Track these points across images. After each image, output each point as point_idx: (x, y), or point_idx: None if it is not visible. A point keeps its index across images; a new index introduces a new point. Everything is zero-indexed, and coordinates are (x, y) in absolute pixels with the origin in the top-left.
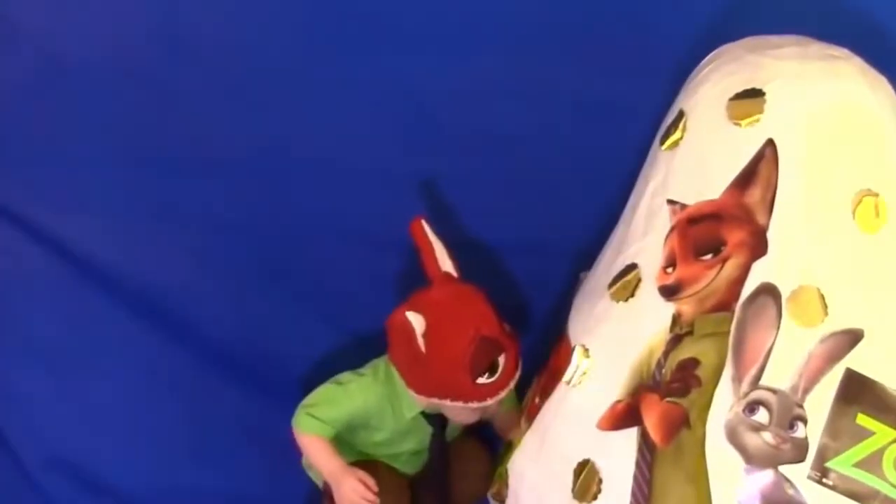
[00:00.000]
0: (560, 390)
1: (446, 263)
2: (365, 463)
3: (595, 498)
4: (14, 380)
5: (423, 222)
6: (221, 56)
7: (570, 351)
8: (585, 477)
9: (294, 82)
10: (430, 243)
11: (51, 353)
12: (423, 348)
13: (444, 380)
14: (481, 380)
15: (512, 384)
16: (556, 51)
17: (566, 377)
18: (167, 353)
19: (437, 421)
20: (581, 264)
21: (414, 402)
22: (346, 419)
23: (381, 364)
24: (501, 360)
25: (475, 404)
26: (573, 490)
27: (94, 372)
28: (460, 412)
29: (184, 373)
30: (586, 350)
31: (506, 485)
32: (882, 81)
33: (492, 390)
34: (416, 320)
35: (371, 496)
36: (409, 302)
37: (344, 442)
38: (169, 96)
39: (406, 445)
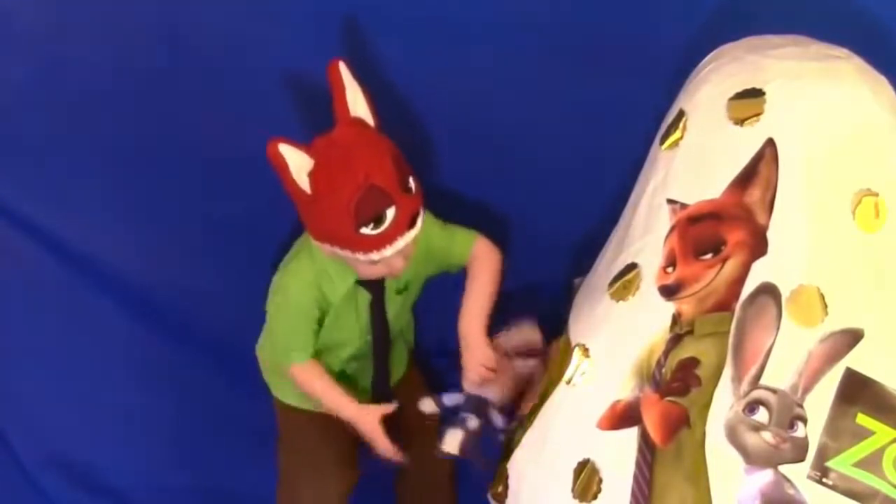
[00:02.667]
0: (560, 390)
1: (360, 109)
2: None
3: (595, 497)
4: (14, 380)
5: (342, 64)
6: (221, 56)
7: (571, 351)
8: (585, 476)
9: (294, 82)
10: (342, 85)
11: (51, 353)
12: (307, 189)
13: (329, 225)
14: (365, 230)
15: (401, 240)
16: (555, 51)
17: (566, 377)
18: (167, 353)
19: (374, 288)
20: (581, 264)
21: (337, 265)
22: (312, 313)
23: (301, 248)
24: (390, 212)
25: (362, 255)
26: (573, 489)
27: (93, 372)
28: (357, 265)
29: (183, 373)
30: (586, 350)
31: (506, 484)
32: (882, 81)
33: (377, 243)
34: (294, 157)
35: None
36: (311, 142)
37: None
38: (169, 96)
39: (351, 328)
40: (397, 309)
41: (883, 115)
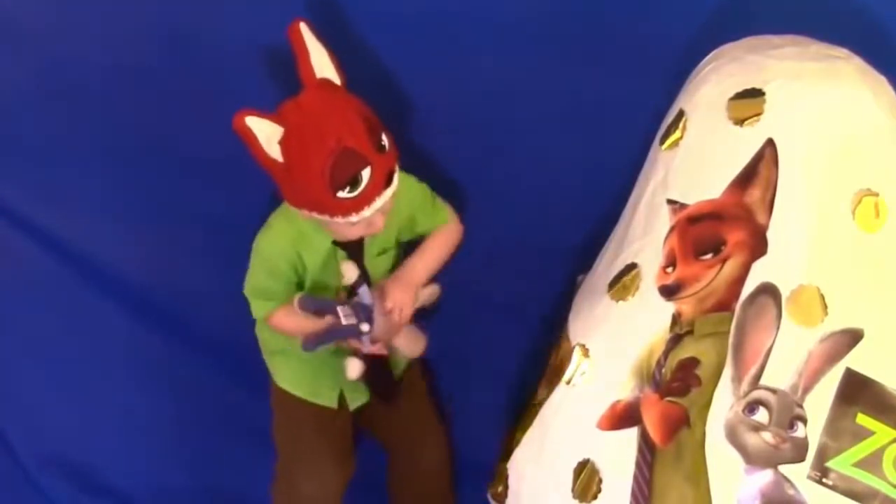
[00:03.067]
0: (560, 390)
1: (326, 70)
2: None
3: (595, 497)
4: (14, 380)
5: (303, 25)
6: (221, 56)
7: (570, 351)
8: (585, 476)
9: (294, 82)
10: (305, 46)
11: (51, 353)
12: (278, 157)
13: (304, 191)
14: (342, 193)
15: (379, 200)
16: (555, 51)
17: (566, 377)
18: (167, 353)
19: (353, 251)
20: (581, 264)
21: (315, 227)
22: (285, 274)
23: (279, 212)
24: (365, 173)
25: (340, 218)
26: (573, 490)
27: (93, 372)
28: (336, 227)
29: (184, 373)
30: (586, 350)
31: (506, 484)
32: (882, 82)
33: (355, 205)
34: (262, 126)
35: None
36: (278, 109)
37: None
38: (169, 96)
39: (332, 289)
40: (379, 273)
41: (883, 116)
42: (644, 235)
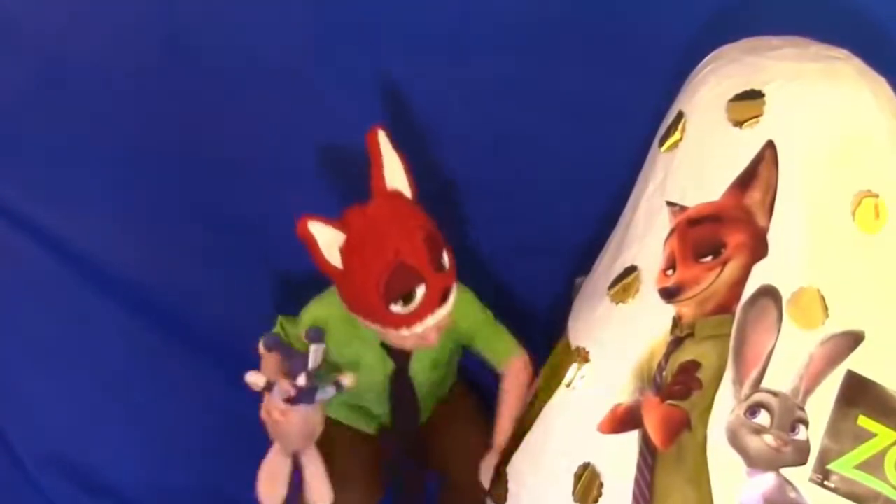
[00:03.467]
0: (560, 393)
1: (397, 180)
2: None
3: (596, 501)
4: (14, 380)
5: (381, 133)
6: (221, 56)
7: (571, 353)
8: (586, 480)
9: (294, 82)
10: (380, 155)
11: (51, 353)
12: (338, 264)
13: (359, 299)
14: (395, 307)
15: (431, 318)
16: (553, 51)
17: (566, 380)
18: (167, 352)
19: (399, 357)
20: (580, 265)
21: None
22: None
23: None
24: (420, 290)
25: (393, 332)
26: (574, 493)
27: (93, 372)
28: (392, 338)
29: (184, 373)
30: (586, 353)
31: (505, 487)
32: (881, 82)
33: (407, 320)
34: (324, 233)
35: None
36: (344, 214)
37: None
38: (169, 96)
39: (373, 383)
40: (426, 382)
41: (882, 117)
42: (644, 238)
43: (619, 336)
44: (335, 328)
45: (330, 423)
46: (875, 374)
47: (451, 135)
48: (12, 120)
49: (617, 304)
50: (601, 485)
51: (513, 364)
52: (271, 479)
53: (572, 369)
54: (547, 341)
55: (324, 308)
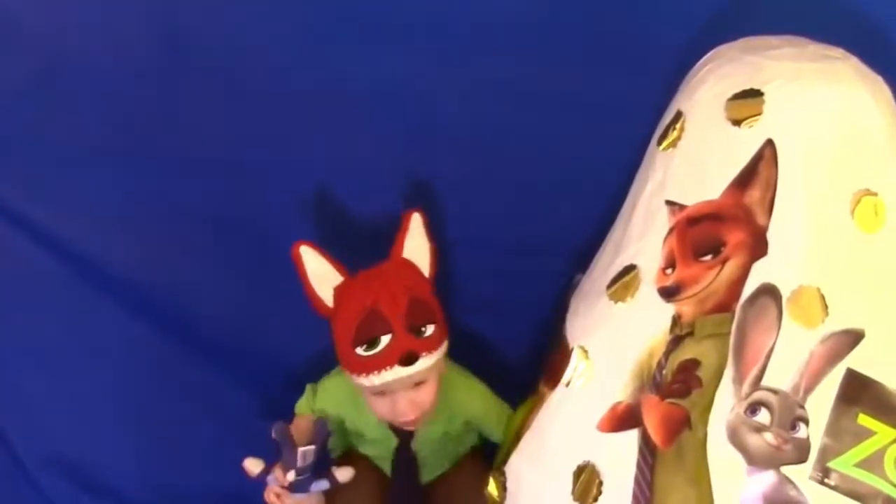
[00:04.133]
0: (559, 392)
1: (419, 258)
2: (347, 457)
3: (595, 500)
4: (14, 380)
5: (416, 217)
6: (221, 56)
7: (569, 352)
8: (585, 479)
9: (294, 82)
10: (406, 233)
11: (51, 353)
12: (329, 302)
13: (338, 341)
14: (359, 350)
15: (389, 373)
16: (552, 50)
17: (565, 379)
18: (167, 352)
19: (402, 433)
20: (579, 264)
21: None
22: (323, 409)
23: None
24: (385, 339)
25: (356, 376)
26: (573, 492)
27: (93, 372)
28: (368, 397)
29: (184, 372)
30: (585, 351)
31: (503, 487)
32: (879, 81)
33: (367, 366)
34: (316, 263)
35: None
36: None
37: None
38: (169, 96)
39: (378, 452)
40: (435, 450)
41: (881, 116)
42: (642, 237)
43: (619, 335)
44: (345, 399)
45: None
46: (875, 373)
47: (449, 134)
48: (12, 120)
49: (616, 302)
50: (601, 483)
51: None
52: None
53: (571, 368)
54: (544, 341)
55: (336, 387)
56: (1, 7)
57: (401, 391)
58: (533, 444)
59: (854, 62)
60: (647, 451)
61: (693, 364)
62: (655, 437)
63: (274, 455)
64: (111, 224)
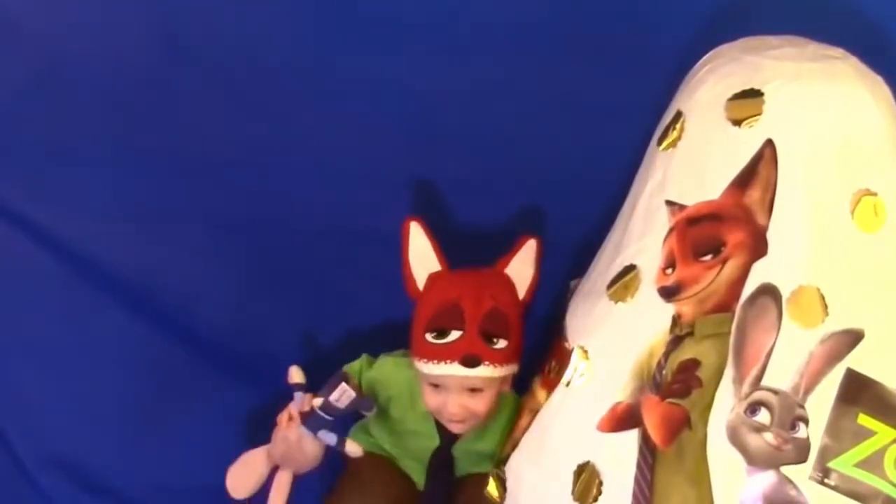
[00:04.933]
0: (559, 392)
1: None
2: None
3: (595, 500)
4: (14, 380)
5: (533, 244)
6: (221, 56)
7: (569, 352)
8: (585, 478)
9: (294, 82)
10: (515, 253)
11: (51, 353)
12: (420, 284)
13: (415, 322)
14: (429, 336)
15: (448, 367)
16: (552, 50)
17: (565, 379)
18: (167, 352)
19: (446, 435)
20: (578, 264)
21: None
22: (373, 381)
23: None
24: (454, 334)
25: (418, 362)
26: (573, 492)
27: (93, 372)
28: (424, 386)
29: (184, 372)
30: (585, 351)
31: (503, 486)
32: (879, 81)
33: (430, 353)
34: (421, 242)
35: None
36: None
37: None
38: (169, 96)
39: (417, 452)
40: (469, 467)
41: (881, 115)
42: (642, 237)
43: (619, 335)
44: (402, 381)
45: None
46: (875, 373)
47: (449, 134)
48: (12, 120)
49: (616, 302)
50: (601, 483)
51: None
52: (243, 468)
53: (571, 368)
54: (544, 341)
55: (396, 368)
56: (1, 7)
57: (455, 391)
58: (533, 443)
59: (854, 62)
60: (648, 450)
61: (693, 364)
62: (655, 436)
63: None
64: (111, 224)
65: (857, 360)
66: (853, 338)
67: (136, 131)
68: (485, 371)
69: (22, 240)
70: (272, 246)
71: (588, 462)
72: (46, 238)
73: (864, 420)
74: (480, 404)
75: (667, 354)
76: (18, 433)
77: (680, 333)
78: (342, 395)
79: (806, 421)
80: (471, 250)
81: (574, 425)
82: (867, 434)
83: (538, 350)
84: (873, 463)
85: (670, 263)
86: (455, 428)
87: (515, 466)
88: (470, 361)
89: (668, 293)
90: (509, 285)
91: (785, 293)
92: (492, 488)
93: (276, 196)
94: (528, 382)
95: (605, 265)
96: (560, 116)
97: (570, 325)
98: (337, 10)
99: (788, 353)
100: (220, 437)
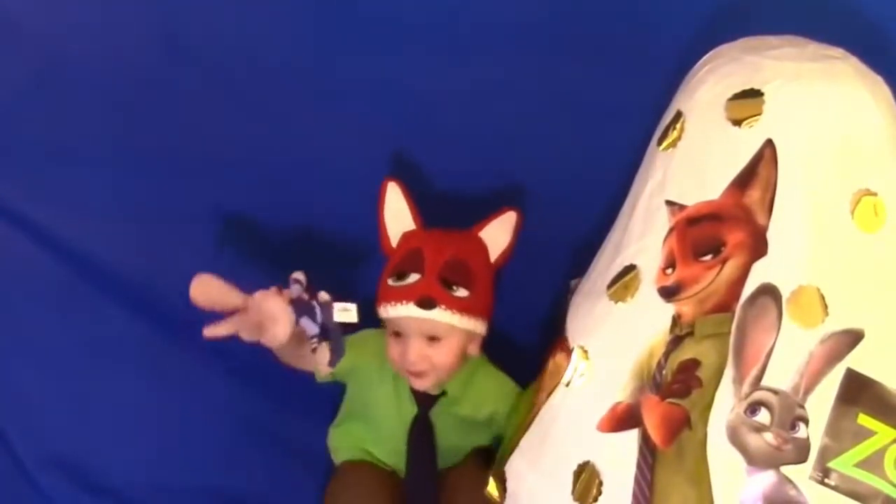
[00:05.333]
0: (559, 392)
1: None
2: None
3: (595, 500)
4: (14, 380)
5: (514, 215)
6: (221, 56)
7: (569, 352)
8: (586, 479)
9: (294, 82)
10: (493, 219)
11: (51, 353)
12: (394, 242)
13: (381, 275)
14: (390, 280)
15: (403, 308)
16: (551, 51)
17: (565, 379)
18: (167, 352)
19: (422, 400)
20: (578, 264)
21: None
22: (349, 346)
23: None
24: (413, 276)
25: (379, 307)
26: (573, 492)
27: (93, 372)
28: (388, 340)
29: (184, 372)
30: (585, 351)
31: (504, 487)
32: (879, 81)
33: (389, 294)
34: (397, 202)
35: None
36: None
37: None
38: (169, 96)
39: (393, 428)
40: (451, 439)
41: (881, 115)
42: (642, 237)
43: (619, 335)
44: (374, 353)
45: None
46: (875, 373)
47: (448, 134)
48: (12, 120)
49: (616, 302)
50: (601, 483)
51: None
52: (218, 288)
53: (571, 368)
54: (545, 340)
55: (375, 332)
56: (1, 7)
57: (414, 337)
58: (533, 444)
59: (854, 62)
60: (647, 450)
61: (693, 364)
62: (655, 436)
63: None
64: (111, 224)
65: (857, 360)
66: (853, 338)
67: (136, 131)
68: (441, 315)
69: (22, 240)
70: (272, 245)
71: (588, 462)
72: (46, 238)
73: (864, 420)
74: (440, 355)
75: (667, 354)
76: (18, 433)
77: (680, 333)
78: (343, 312)
79: (806, 421)
80: None
81: (574, 425)
82: (867, 434)
83: (538, 350)
84: (873, 463)
85: (670, 263)
86: (417, 383)
87: (515, 467)
88: (425, 303)
89: (668, 293)
90: (480, 245)
91: (785, 293)
92: (492, 488)
93: (276, 196)
94: (533, 385)
95: (605, 265)
96: (560, 116)
97: (570, 325)
98: (337, 10)
99: (788, 353)
100: (220, 437)
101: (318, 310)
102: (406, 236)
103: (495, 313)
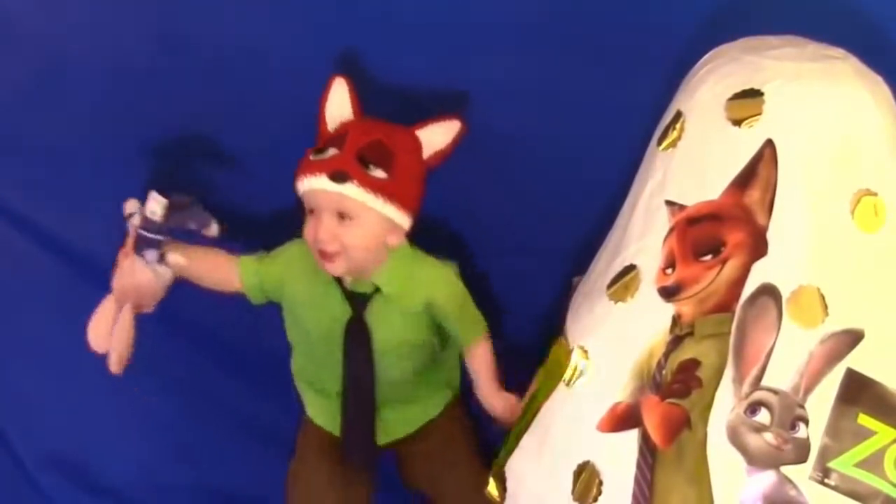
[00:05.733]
0: (559, 392)
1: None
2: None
3: (595, 500)
4: (14, 380)
5: (458, 123)
6: (221, 56)
7: (569, 352)
8: (585, 479)
9: (293, 83)
10: (440, 127)
11: (51, 353)
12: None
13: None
14: (311, 156)
15: (315, 180)
16: (551, 51)
17: (565, 379)
18: (167, 352)
19: (356, 301)
20: (578, 265)
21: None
22: (281, 272)
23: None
24: (331, 151)
25: (296, 181)
26: (573, 492)
27: (93, 371)
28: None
29: (184, 371)
30: (585, 351)
31: (503, 487)
32: (878, 81)
33: (305, 167)
34: (341, 96)
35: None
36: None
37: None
38: (169, 96)
39: (329, 331)
40: (393, 361)
41: (881, 115)
42: (642, 237)
43: (619, 335)
44: (300, 261)
45: (311, 426)
46: (875, 373)
47: None
48: (12, 120)
49: (616, 302)
50: (601, 483)
51: (480, 344)
52: (96, 320)
53: (571, 368)
54: (545, 340)
55: (299, 243)
56: (1, 7)
57: (326, 214)
58: (533, 444)
59: (854, 62)
60: (647, 450)
61: (693, 364)
62: (655, 437)
63: None
64: (111, 224)
65: (857, 360)
66: (853, 338)
67: (136, 131)
68: (353, 191)
69: (22, 240)
70: (272, 246)
71: (588, 462)
72: (46, 238)
73: (864, 420)
74: (351, 236)
75: (667, 354)
76: (18, 433)
77: (680, 333)
78: (156, 204)
79: (806, 421)
80: (471, 250)
81: (574, 425)
82: (867, 434)
83: (538, 350)
84: (873, 463)
85: (670, 263)
86: (329, 267)
87: (515, 466)
88: (337, 175)
89: (668, 293)
90: (413, 139)
91: (785, 293)
92: (492, 488)
93: (276, 196)
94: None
95: (605, 265)
96: (560, 116)
97: (570, 325)
98: (337, 10)
99: (788, 353)
100: (220, 437)
101: (152, 235)
102: (343, 126)
103: (495, 313)
